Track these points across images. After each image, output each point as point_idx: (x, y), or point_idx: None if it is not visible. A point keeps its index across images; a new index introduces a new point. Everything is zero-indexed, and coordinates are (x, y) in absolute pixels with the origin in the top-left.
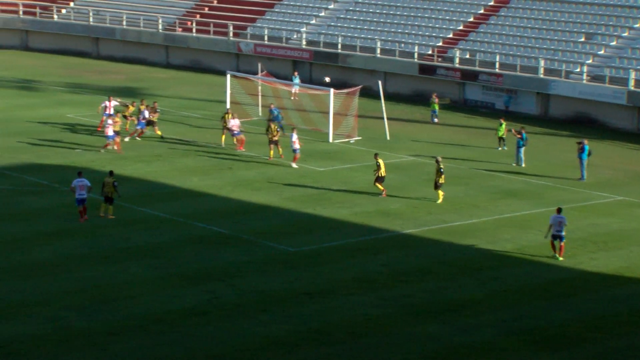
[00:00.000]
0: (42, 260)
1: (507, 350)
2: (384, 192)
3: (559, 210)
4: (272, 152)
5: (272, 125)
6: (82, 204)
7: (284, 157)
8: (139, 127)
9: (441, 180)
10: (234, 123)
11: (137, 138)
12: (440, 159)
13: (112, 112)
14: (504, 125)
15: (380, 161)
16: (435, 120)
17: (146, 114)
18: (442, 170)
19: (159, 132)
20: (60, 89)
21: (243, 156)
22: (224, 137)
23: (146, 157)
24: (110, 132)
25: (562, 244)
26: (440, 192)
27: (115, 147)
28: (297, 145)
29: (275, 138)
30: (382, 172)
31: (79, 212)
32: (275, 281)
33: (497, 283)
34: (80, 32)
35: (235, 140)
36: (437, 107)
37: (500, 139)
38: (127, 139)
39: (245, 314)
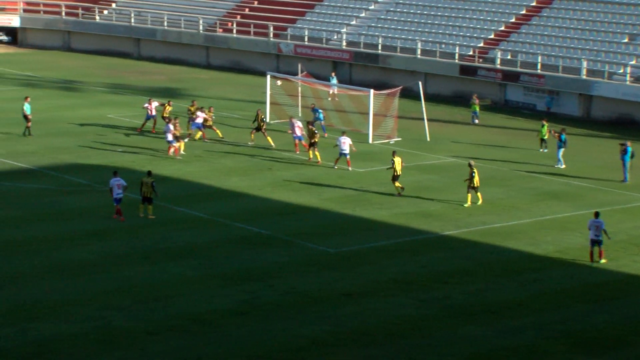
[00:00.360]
0: (83, 260)
1: (547, 353)
2: (400, 191)
3: (597, 214)
4: (311, 153)
5: (311, 128)
6: (119, 203)
7: (321, 162)
8: (192, 129)
9: (476, 184)
10: (298, 124)
11: (186, 139)
12: (473, 162)
13: (154, 113)
14: (546, 127)
15: (396, 159)
16: (476, 121)
17: (200, 115)
18: (473, 174)
19: (219, 133)
20: (102, 89)
21: (282, 157)
22: (253, 135)
23: (186, 158)
24: (170, 137)
25: (602, 248)
26: (479, 194)
27: (172, 151)
28: (346, 149)
29: (315, 140)
30: (398, 170)
31: (116, 211)
32: (314, 282)
33: (537, 285)
34: (122, 33)
35: (297, 143)
36: (477, 108)
37: (542, 140)
38: (186, 140)
39: (284, 314)
